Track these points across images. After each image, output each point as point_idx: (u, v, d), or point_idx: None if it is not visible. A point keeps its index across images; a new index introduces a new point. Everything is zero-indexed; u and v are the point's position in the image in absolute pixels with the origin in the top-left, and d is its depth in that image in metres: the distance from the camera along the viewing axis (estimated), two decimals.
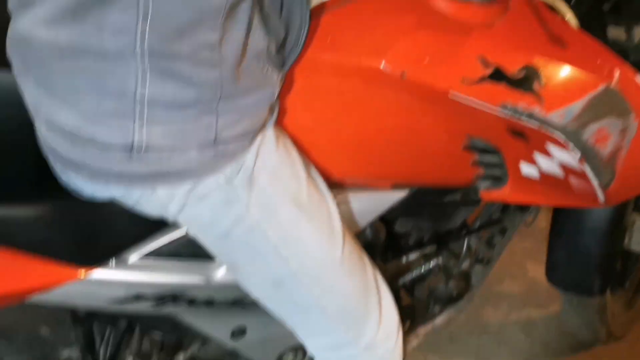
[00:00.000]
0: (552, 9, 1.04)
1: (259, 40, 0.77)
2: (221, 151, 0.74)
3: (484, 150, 1.02)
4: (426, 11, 0.92)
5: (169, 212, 0.79)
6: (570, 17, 1.03)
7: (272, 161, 0.81)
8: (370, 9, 0.93)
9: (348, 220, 0.98)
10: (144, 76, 0.68)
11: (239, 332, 1.07)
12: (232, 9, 0.71)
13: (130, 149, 0.71)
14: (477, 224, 1.27)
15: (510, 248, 1.44)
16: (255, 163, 0.79)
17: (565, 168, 1.00)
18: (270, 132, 0.82)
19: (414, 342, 1.37)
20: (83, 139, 0.71)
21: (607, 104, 0.95)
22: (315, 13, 0.92)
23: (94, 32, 0.67)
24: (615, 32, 1.20)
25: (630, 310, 1.64)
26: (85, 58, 0.69)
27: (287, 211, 0.83)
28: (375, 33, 0.91)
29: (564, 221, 1.38)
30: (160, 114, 0.70)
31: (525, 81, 0.91)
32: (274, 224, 0.82)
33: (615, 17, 1.18)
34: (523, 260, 1.97)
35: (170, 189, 0.76)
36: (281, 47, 0.83)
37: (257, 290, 0.91)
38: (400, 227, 1.18)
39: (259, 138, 0.79)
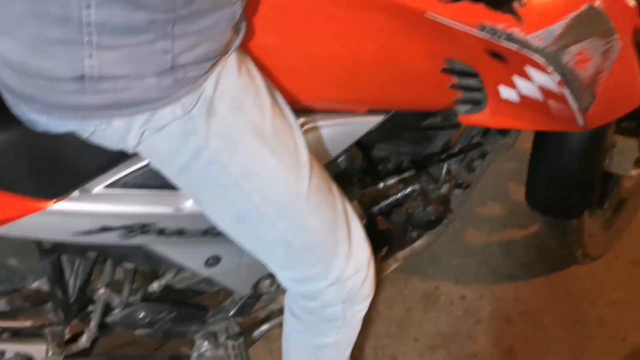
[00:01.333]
0: None
1: None
2: (180, 77, 0.70)
3: (462, 73, 0.98)
4: None
5: (127, 145, 0.76)
6: None
7: (234, 89, 0.77)
8: None
9: (319, 148, 0.95)
10: None
11: (213, 261, 1.06)
12: None
13: (81, 79, 0.66)
14: (457, 147, 1.25)
15: (493, 169, 1.43)
16: (215, 91, 0.75)
17: (545, 91, 0.97)
18: (232, 57, 0.77)
19: (393, 265, 1.37)
20: (31, 71, 0.67)
21: (589, 24, 0.92)
22: None
23: None
24: None
25: (609, 231, 1.66)
26: None
27: (249, 143, 0.79)
28: None
29: (544, 144, 1.36)
30: (110, 39, 0.65)
31: (505, 1, 0.87)
32: (235, 157, 0.79)
33: None
34: (505, 182, 1.96)
35: (126, 121, 0.72)
36: None
37: (222, 223, 0.89)
38: (378, 151, 1.16)
39: (220, 63, 0.75)
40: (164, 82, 0.69)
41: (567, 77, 0.94)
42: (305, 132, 0.88)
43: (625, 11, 0.99)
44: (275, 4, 0.85)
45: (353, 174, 1.10)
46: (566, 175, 1.35)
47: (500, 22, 0.87)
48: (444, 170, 1.27)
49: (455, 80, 0.98)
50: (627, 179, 1.57)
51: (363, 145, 1.11)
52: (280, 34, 0.88)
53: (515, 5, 0.87)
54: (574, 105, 0.97)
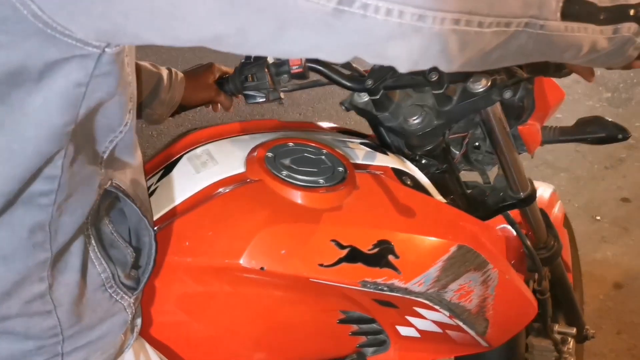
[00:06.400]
0: (401, 174, 1.07)
1: (100, 272, 0.75)
2: None
3: (359, 321, 1.03)
4: (277, 203, 0.92)
5: None
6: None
7: None
8: (221, 209, 0.92)
9: None
10: None
11: None
12: (58, 256, 0.70)
13: None
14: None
15: None
16: None
17: (440, 324, 1.02)
18: (129, 355, 0.81)
19: None
20: None
21: (462, 262, 0.97)
22: (166, 219, 0.92)
23: None
24: (472, 175, 1.23)
25: None
26: None
27: None
28: (231, 231, 0.91)
29: None
30: None
31: (381, 256, 0.92)
32: None
33: (467, 164, 1.20)
34: None
35: None
36: (133, 268, 0.81)
37: None
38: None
39: None
40: None
41: (455, 310, 1.00)
42: None
43: (493, 240, 1.05)
44: (170, 292, 0.92)
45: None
46: None
47: (380, 276, 0.92)
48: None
49: (354, 327, 1.03)
50: None
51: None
52: (184, 312, 0.93)
53: (391, 258, 0.92)
54: (471, 331, 1.04)
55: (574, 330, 1.49)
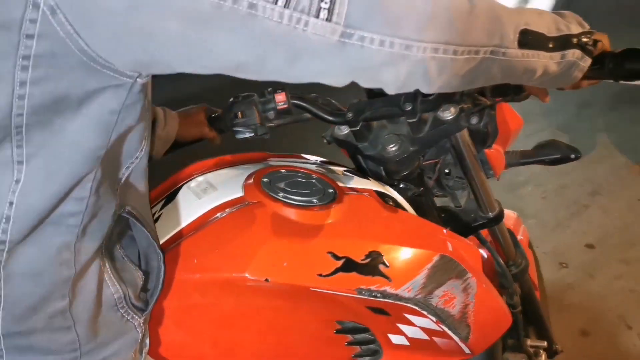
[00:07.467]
0: (383, 196, 1.16)
1: (114, 292, 0.81)
2: None
3: (354, 330, 1.11)
4: (276, 221, 1.01)
5: None
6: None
7: None
8: (226, 228, 1.01)
9: None
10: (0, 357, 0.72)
11: None
12: (78, 275, 0.76)
13: None
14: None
15: None
16: None
17: (428, 331, 1.11)
18: None
19: None
20: None
21: (445, 270, 1.07)
22: (172, 242, 1.00)
23: None
24: (444, 200, 1.34)
25: None
26: None
27: None
28: (237, 248, 0.99)
29: None
30: None
31: (373, 266, 1.01)
32: None
33: (440, 189, 1.31)
34: None
35: None
36: (142, 290, 0.87)
37: None
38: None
39: None
40: None
41: (441, 316, 1.09)
42: None
43: (470, 253, 1.15)
44: (179, 308, 0.98)
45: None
46: None
47: (373, 283, 1.01)
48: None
49: (349, 338, 1.11)
50: None
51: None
52: (188, 331, 1.00)
53: (382, 267, 1.02)
54: (455, 337, 1.12)
55: (545, 344, 1.59)
